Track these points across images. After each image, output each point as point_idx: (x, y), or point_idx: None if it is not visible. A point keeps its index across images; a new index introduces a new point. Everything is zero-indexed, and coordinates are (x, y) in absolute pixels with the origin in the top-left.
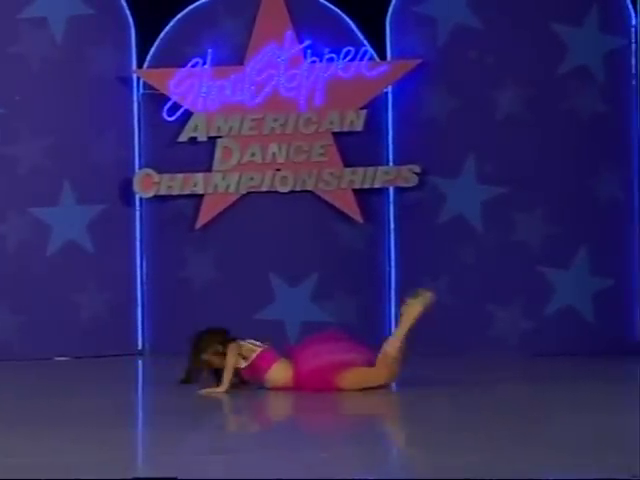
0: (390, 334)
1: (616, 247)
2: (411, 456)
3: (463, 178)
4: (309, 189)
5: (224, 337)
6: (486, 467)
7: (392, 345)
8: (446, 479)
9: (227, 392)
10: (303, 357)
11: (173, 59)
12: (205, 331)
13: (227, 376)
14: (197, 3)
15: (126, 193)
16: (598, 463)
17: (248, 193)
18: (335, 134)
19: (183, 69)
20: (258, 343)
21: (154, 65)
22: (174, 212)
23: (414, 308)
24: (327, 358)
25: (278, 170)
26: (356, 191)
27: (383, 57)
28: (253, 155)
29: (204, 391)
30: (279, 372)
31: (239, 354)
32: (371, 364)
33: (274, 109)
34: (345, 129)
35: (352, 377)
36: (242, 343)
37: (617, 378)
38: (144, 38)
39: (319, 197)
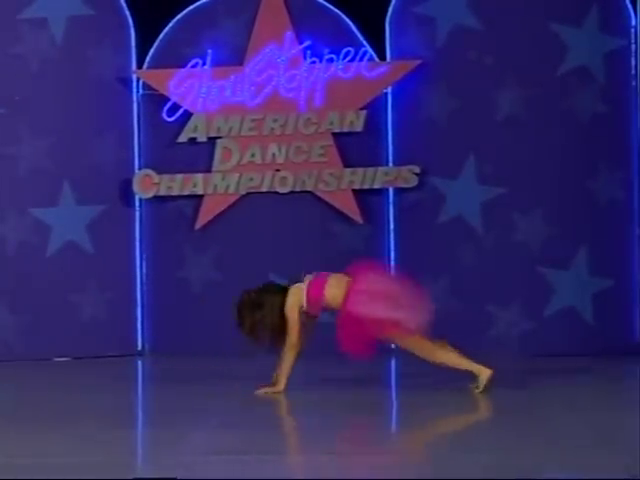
0: None
1: (616, 248)
2: (411, 456)
3: (463, 179)
4: (309, 190)
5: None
6: (487, 467)
7: (449, 362)
8: (446, 479)
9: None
10: (359, 287)
11: (173, 60)
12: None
13: (285, 370)
14: (197, 4)
15: (126, 194)
16: (598, 463)
17: (248, 194)
18: (335, 134)
19: (183, 70)
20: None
21: (154, 66)
22: (174, 213)
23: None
24: (381, 312)
25: (278, 170)
26: (356, 192)
27: (383, 58)
28: (253, 156)
29: (261, 391)
30: (334, 288)
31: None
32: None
33: (274, 110)
34: (345, 130)
35: (412, 344)
36: (291, 297)
37: (617, 378)
38: (144, 39)
39: (319, 198)
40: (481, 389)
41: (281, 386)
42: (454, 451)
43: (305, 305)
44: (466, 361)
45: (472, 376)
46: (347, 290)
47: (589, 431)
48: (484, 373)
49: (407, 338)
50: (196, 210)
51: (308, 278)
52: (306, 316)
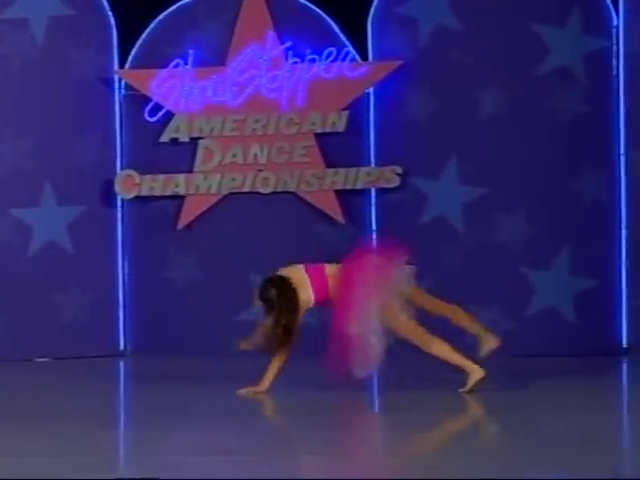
0: None
1: (598, 248)
2: (396, 458)
3: (445, 179)
4: (291, 190)
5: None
6: (473, 467)
7: (442, 354)
8: (434, 479)
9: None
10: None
11: (155, 60)
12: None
13: (272, 371)
14: (178, 4)
15: (107, 194)
16: (583, 463)
17: (230, 194)
18: (317, 135)
19: (165, 70)
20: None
21: (136, 66)
22: (156, 213)
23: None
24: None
25: (260, 171)
26: (338, 192)
27: (365, 58)
28: (235, 156)
29: (243, 391)
30: (332, 278)
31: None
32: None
33: (256, 110)
34: (327, 130)
35: (410, 332)
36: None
37: (599, 378)
38: (125, 39)
39: (301, 198)
40: (467, 390)
41: (264, 386)
42: (441, 452)
43: (312, 303)
44: (460, 357)
45: (463, 378)
46: (341, 279)
47: (574, 431)
48: (476, 373)
49: (404, 325)
50: (178, 210)
51: (300, 271)
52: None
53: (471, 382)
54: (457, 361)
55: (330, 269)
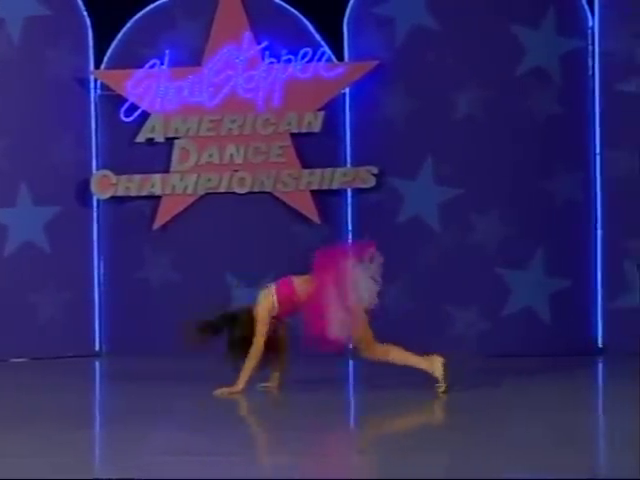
0: None
1: (573, 248)
2: (371, 457)
3: (421, 179)
4: (267, 190)
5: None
6: (448, 467)
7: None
8: (407, 479)
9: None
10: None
11: (130, 60)
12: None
13: (246, 372)
14: (154, 4)
15: (83, 194)
16: (558, 463)
17: (206, 194)
18: (293, 135)
19: (140, 70)
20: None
21: (111, 66)
22: (132, 213)
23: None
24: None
25: (236, 171)
26: (314, 192)
27: (341, 58)
28: (211, 156)
29: (219, 392)
30: (302, 283)
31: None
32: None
33: (232, 110)
34: (303, 130)
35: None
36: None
37: (575, 378)
38: (101, 39)
39: (277, 198)
40: (443, 387)
41: (239, 387)
42: (415, 451)
43: (276, 305)
44: (415, 358)
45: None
46: (314, 282)
47: (549, 431)
48: (436, 365)
49: (362, 333)
50: (154, 210)
51: (271, 285)
52: (277, 321)
53: (439, 373)
54: (414, 362)
55: (298, 281)
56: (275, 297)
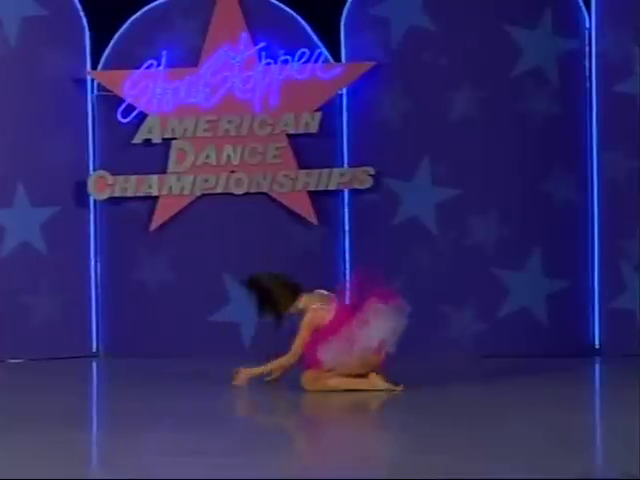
0: None
1: (570, 249)
2: (364, 457)
3: (418, 180)
4: (264, 191)
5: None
6: (441, 467)
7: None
8: (399, 479)
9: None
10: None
11: (127, 61)
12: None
13: (276, 364)
14: (151, 5)
15: (80, 195)
16: (552, 464)
17: (203, 195)
18: (290, 136)
19: (137, 71)
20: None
21: (108, 67)
22: (128, 214)
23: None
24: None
25: (233, 172)
26: (311, 193)
27: (338, 59)
28: (208, 157)
29: (241, 374)
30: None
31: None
32: None
33: (229, 111)
34: (300, 131)
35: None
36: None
37: (571, 379)
38: (98, 40)
39: (274, 199)
40: (399, 388)
41: (266, 368)
42: (407, 452)
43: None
44: (355, 381)
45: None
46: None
47: (545, 431)
48: (375, 381)
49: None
50: (151, 211)
51: (324, 303)
52: None
53: (384, 386)
54: (356, 384)
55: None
56: (329, 317)
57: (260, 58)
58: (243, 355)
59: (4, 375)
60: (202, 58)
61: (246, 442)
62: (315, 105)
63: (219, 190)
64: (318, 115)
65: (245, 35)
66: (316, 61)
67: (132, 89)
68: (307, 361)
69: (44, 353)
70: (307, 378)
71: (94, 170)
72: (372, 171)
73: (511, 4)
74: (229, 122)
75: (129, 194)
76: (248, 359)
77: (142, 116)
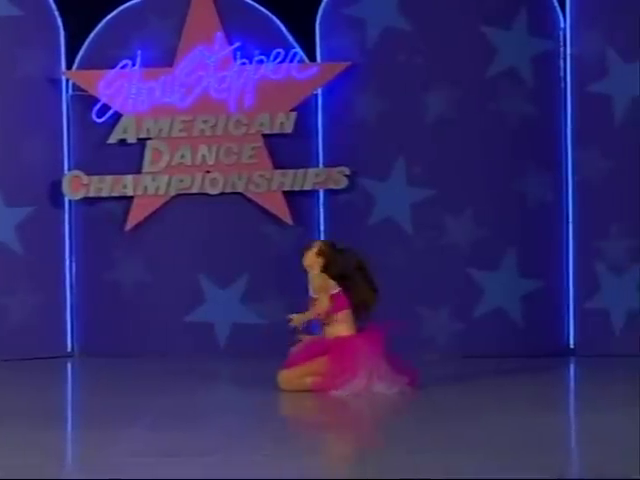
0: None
1: (545, 249)
2: (342, 456)
3: (393, 180)
4: (239, 191)
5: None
6: (418, 467)
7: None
8: (378, 479)
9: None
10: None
11: (102, 60)
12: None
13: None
14: (126, 4)
15: (55, 195)
16: (525, 464)
17: (178, 195)
18: (265, 136)
19: (112, 71)
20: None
21: (83, 66)
22: (103, 214)
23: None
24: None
25: (208, 172)
26: (286, 193)
27: (313, 59)
28: (183, 157)
29: (295, 318)
30: (344, 323)
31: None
32: None
33: (204, 111)
34: (275, 131)
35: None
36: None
37: (546, 379)
38: (73, 39)
39: (249, 199)
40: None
41: (310, 315)
42: (386, 451)
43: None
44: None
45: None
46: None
47: (519, 431)
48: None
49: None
50: (126, 211)
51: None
52: None
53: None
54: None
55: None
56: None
57: (235, 58)
58: (218, 355)
59: None
60: (177, 58)
61: (223, 441)
62: (290, 105)
63: (194, 190)
64: (293, 115)
65: (220, 35)
66: (291, 61)
67: (107, 89)
68: (285, 361)
69: (19, 353)
70: (283, 378)
71: (69, 170)
72: (347, 171)
73: (486, 5)
74: (204, 122)
75: (104, 194)
76: (223, 359)
77: (117, 116)
